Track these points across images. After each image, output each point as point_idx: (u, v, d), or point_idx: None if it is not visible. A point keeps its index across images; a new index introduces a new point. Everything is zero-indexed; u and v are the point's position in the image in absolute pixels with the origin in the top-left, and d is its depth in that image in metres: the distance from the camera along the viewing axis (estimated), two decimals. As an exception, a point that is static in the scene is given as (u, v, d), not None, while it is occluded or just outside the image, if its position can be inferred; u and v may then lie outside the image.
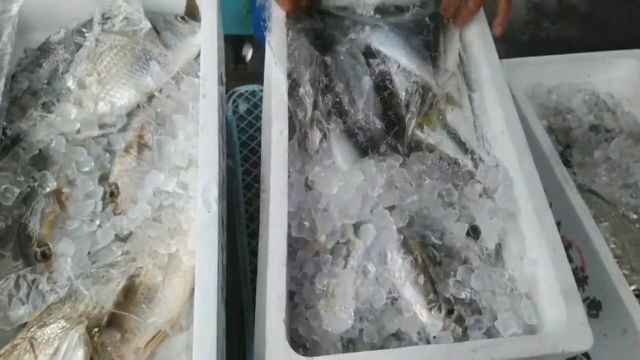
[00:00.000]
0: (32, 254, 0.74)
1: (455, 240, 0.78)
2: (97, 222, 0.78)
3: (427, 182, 0.81)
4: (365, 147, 0.86)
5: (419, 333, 0.72)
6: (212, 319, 0.65)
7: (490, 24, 0.96)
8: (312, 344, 0.71)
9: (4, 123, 0.84)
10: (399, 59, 0.92)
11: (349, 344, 0.72)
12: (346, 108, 0.88)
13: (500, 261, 0.79)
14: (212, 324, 0.65)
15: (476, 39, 0.95)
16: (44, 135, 0.85)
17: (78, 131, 0.87)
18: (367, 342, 0.71)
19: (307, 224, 0.77)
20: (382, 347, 0.71)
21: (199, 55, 0.90)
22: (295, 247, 0.77)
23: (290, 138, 0.82)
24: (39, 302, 0.70)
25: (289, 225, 0.74)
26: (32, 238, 0.75)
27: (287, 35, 0.91)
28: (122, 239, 0.78)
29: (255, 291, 0.76)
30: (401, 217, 0.77)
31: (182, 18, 0.98)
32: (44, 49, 0.94)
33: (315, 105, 0.86)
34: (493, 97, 0.88)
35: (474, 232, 0.79)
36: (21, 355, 0.66)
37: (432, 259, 0.75)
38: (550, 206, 0.77)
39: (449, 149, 0.87)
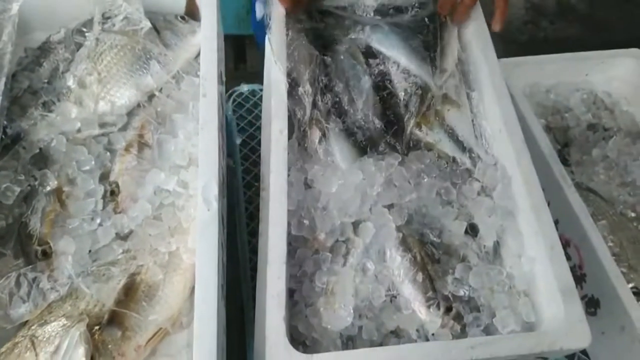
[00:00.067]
0: (33, 252, 0.74)
1: (453, 238, 0.79)
2: (98, 220, 0.78)
3: (425, 180, 0.82)
4: (364, 146, 0.86)
5: (417, 330, 0.72)
6: (213, 317, 0.65)
7: (489, 24, 0.97)
8: (311, 342, 0.72)
9: (5, 122, 0.84)
10: (398, 59, 0.93)
11: (349, 341, 0.72)
12: (345, 107, 0.89)
13: (499, 259, 0.80)
14: (213, 321, 0.65)
15: (475, 39, 0.96)
16: (45, 134, 0.85)
17: (78, 130, 0.87)
18: (367, 339, 0.71)
19: (306, 222, 0.77)
20: (381, 344, 0.71)
21: (199, 54, 0.90)
22: (295, 245, 0.77)
23: (289, 137, 0.82)
24: (40, 301, 0.70)
25: (289, 224, 0.74)
26: (33, 236, 0.75)
27: (287, 34, 0.91)
28: (123, 237, 0.78)
29: (256, 289, 0.76)
30: (400, 215, 0.78)
31: (182, 18, 0.98)
32: (45, 49, 0.95)
33: (314, 105, 0.87)
34: (491, 96, 0.89)
35: (472, 230, 0.80)
36: (22, 353, 0.66)
37: (430, 256, 0.75)
38: (549, 204, 0.77)
39: (448, 147, 0.87)
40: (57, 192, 0.80)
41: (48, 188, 0.79)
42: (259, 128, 1.19)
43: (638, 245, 0.95)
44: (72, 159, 0.83)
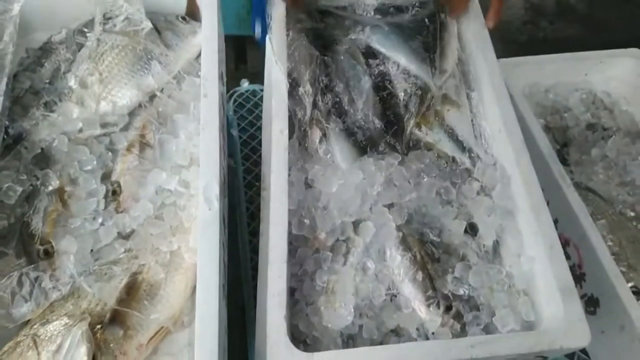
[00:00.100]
0: (35, 251, 0.74)
1: (453, 237, 0.79)
2: (100, 220, 0.79)
3: (425, 180, 0.82)
4: (364, 145, 0.86)
5: (417, 329, 0.73)
6: (214, 316, 0.66)
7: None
8: (312, 340, 0.72)
9: (7, 122, 0.85)
10: (398, 59, 0.93)
11: (349, 340, 0.72)
12: (346, 108, 0.89)
13: (498, 258, 0.80)
14: (214, 320, 0.66)
15: (474, 39, 0.96)
16: (46, 135, 0.85)
17: (80, 130, 0.87)
18: (367, 338, 0.72)
19: (307, 221, 0.78)
20: (381, 343, 0.72)
21: (199, 55, 0.91)
22: (296, 244, 0.77)
23: (290, 137, 0.82)
24: (42, 300, 0.71)
25: (290, 223, 0.75)
26: (35, 236, 0.75)
27: (288, 35, 0.91)
28: (125, 236, 0.78)
29: (257, 288, 0.77)
30: (400, 214, 0.78)
31: (183, 18, 0.98)
32: (46, 49, 0.95)
33: (315, 105, 0.87)
34: (491, 96, 0.89)
35: (471, 229, 0.80)
36: (24, 352, 0.66)
37: (430, 256, 0.76)
38: (548, 204, 0.78)
39: (447, 147, 0.87)
40: (59, 192, 0.80)
41: (50, 188, 0.80)
42: (259, 128, 1.19)
43: (637, 244, 0.96)
44: (74, 158, 0.84)
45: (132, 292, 0.72)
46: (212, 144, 0.78)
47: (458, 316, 0.72)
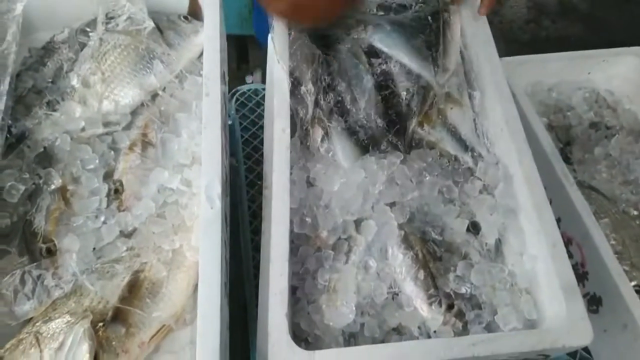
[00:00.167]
0: (38, 250, 0.74)
1: (455, 236, 0.79)
2: (102, 218, 0.79)
3: (427, 178, 0.82)
4: (366, 144, 0.86)
5: (419, 327, 0.73)
6: (216, 314, 0.66)
7: (490, 23, 0.97)
8: (314, 338, 0.72)
9: (10, 121, 0.85)
10: (400, 58, 0.93)
11: (351, 338, 0.72)
12: (348, 106, 0.89)
13: (500, 257, 0.80)
14: (216, 318, 0.66)
15: (477, 38, 0.96)
16: (49, 134, 0.86)
17: (83, 129, 0.87)
18: (369, 336, 0.72)
19: (309, 220, 0.78)
20: (383, 341, 0.72)
21: (202, 54, 0.91)
22: (298, 243, 0.77)
23: (292, 136, 0.82)
24: (44, 298, 0.71)
25: (291, 222, 0.75)
26: (38, 234, 0.76)
27: (289, 34, 0.91)
28: (127, 235, 0.78)
29: (258, 287, 0.77)
30: (402, 213, 0.78)
31: (185, 17, 0.98)
32: (49, 48, 0.95)
33: (317, 104, 0.87)
34: (493, 95, 0.89)
35: (474, 228, 0.80)
36: (27, 349, 0.67)
37: (432, 254, 0.76)
38: (551, 203, 0.78)
39: (449, 146, 0.87)
40: (62, 191, 0.80)
41: (52, 186, 0.80)
42: (261, 127, 1.19)
43: (640, 243, 0.95)
44: (77, 157, 0.84)
45: (134, 290, 0.73)
46: (214, 143, 0.78)
47: (460, 314, 0.72)
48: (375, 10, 1.00)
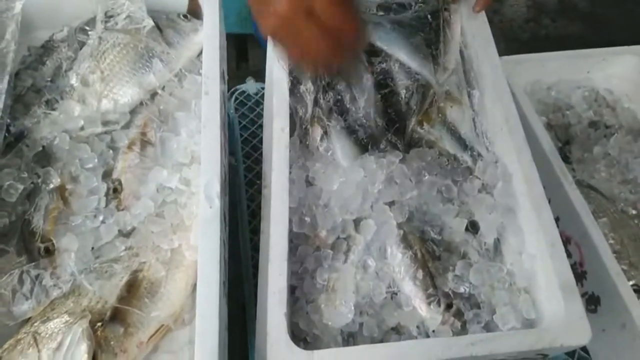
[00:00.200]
0: (36, 249, 0.74)
1: (454, 235, 0.79)
2: (101, 218, 0.79)
3: (426, 178, 0.82)
4: (365, 143, 0.86)
5: (418, 327, 0.73)
6: (214, 314, 0.66)
7: (490, 21, 0.97)
8: (312, 338, 0.72)
9: (8, 120, 0.85)
10: (400, 57, 0.93)
11: (349, 338, 0.72)
12: (347, 105, 0.89)
13: (499, 256, 0.80)
14: (214, 318, 0.66)
15: (476, 37, 0.96)
16: (48, 132, 0.86)
17: (81, 128, 0.87)
18: (367, 335, 0.72)
19: (308, 219, 0.78)
20: (382, 341, 0.72)
21: (201, 53, 0.91)
22: (297, 242, 0.77)
23: (291, 135, 0.82)
24: (43, 297, 0.71)
25: (290, 221, 0.75)
26: (36, 234, 0.75)
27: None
28: (126, 234, 0.78)
29: (257, 286, 0.77)
30: (401, 212, 0.78)
31: (185, 16, 0.98)
32: (48, 47, 0.95)
33: (316, 103, 0.87)
34: (493, 94, 0.89)
35: (472, 227, 0.80)
36: (25, 349, 0.67)
37: (431, 253, 0.76)
38: (550, 202, 0.78)
39: (449, 145, 0.87)
40: (60, 190, 0.80)
41: (51, 186, 0.80)
42: (261, 126, 1.19)
43: (639, 242, 0.95)
44: (75, 156, 0.84)
45: (132, 289, 0.72)
46: (213, 142, 0.78)
47: (459, 314, 0.72)
48: (375, 10, 1.00)
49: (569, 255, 0.79)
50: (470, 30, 0.97)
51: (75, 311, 0.70)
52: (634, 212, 1.00)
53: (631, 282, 0.88)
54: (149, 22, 0.95)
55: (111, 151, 0.86)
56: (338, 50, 0.72)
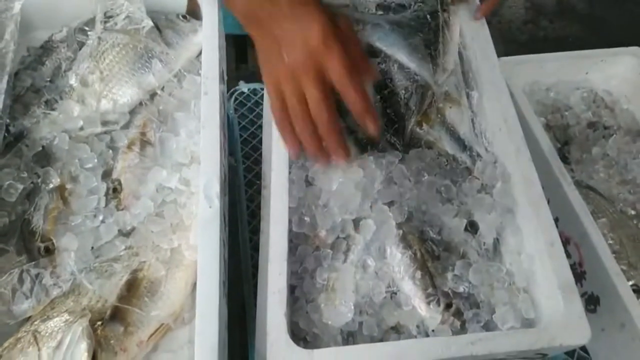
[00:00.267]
0: (36, 249, 0.74)
1: (453, 235, 0.79)
2: (100, 217, 0.79)
3: (425, 178, 0.82)
4: (364, 144, 0.86)
5: (417, 326, 0.73)
6: (214, 313, 0.66)
7: (489, 23, 0.97)
8: (312, 337, 0.72)
9: (8, 120, 0.85)
10: (399, 57, 0.93)
11: (349, 337, 0.72)
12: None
13: (498, 256, 0.80)
14: (214, 318, 0.66)
15: (475, 38, 0.96)
16: (47, 132, 0.86)
17: (81, 128, 0.87)
18: (367, 335, 0.72)
19: (307, 219, 0.78)
20: (381, 340, 0.72)
21: (200, 53, 0.91)
22: (296, 242, 0.77)
23: (291, 135, 0.82)
24: (43, 296, 0.71)
25: (290, 221, 0.75)
26: (36, 233, 0.76)
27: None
28: (125, 234, 0.78)
29: (257, 286, 0.77)
30: (400, 212, 0.78)
31: (184, 16, 0.98)
32: (47, 47, 0.95)
33: (315, 103, 0.87)
34: (491, 95, 0.89)
35: (472, 227, 0.80)
36: (25, 348, 0.67)
37: (430, 253, 0.76)
38: (548, 202, 0.78)
39: (448, 145, 0.87)
40: (60, 190, 0.80)
41: (51, 185, 0.80)
42: (260, 126, 1.19)
43: (638, 243, 0.95)
44: (75, 156, 0.84)
45: (132, 289, 0.72)
46: (212, 142, 0.78)
47: (458, 313, 0.72)
48: (374, 10, 1.00)
49: (568, 255, 0.79)
50: (469, 32, 0.98)
51: (75, 310, 0.70)
52: (632, 212, 1.00)
53: (630, 282, 0.88)
54: (148, 23, 0.95)
55: (111, 151, 0.86)
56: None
